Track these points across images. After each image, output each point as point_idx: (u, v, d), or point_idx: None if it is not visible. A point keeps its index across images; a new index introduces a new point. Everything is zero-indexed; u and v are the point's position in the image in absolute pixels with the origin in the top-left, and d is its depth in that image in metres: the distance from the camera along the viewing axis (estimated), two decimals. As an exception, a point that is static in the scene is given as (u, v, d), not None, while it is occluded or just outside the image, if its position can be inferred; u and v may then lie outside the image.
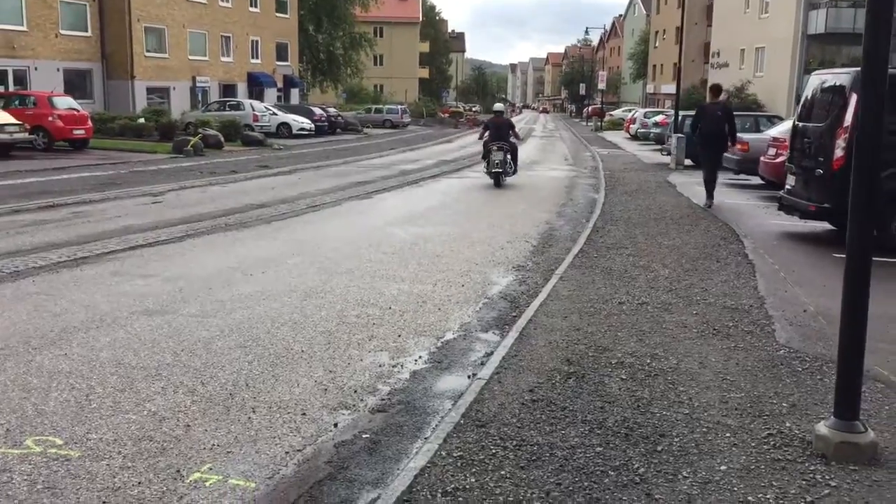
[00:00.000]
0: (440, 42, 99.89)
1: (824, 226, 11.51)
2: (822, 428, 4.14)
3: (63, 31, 32.27)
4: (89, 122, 25.22)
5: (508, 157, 18.06)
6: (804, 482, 3.79)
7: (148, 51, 36.30)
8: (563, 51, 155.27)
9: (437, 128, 57.90)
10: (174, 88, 38.33)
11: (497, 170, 17.84)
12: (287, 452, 4.15)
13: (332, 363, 5.58)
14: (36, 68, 30.67)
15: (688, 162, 22.71)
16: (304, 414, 4.67)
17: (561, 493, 3.65)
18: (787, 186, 11.38)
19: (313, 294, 7.52)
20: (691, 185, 17.09)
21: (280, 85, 49.42)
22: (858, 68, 4.00)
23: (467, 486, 3.69)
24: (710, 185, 14.55)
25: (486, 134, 18.50)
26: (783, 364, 5.58)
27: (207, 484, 3.77)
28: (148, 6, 35.86)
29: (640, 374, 5.31)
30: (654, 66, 71.31)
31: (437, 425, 4.50)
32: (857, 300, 4.02)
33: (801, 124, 11.06)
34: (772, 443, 4.24)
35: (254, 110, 34.79)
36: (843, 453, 4.00)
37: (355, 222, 12.31)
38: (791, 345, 6.03)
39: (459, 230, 11.62)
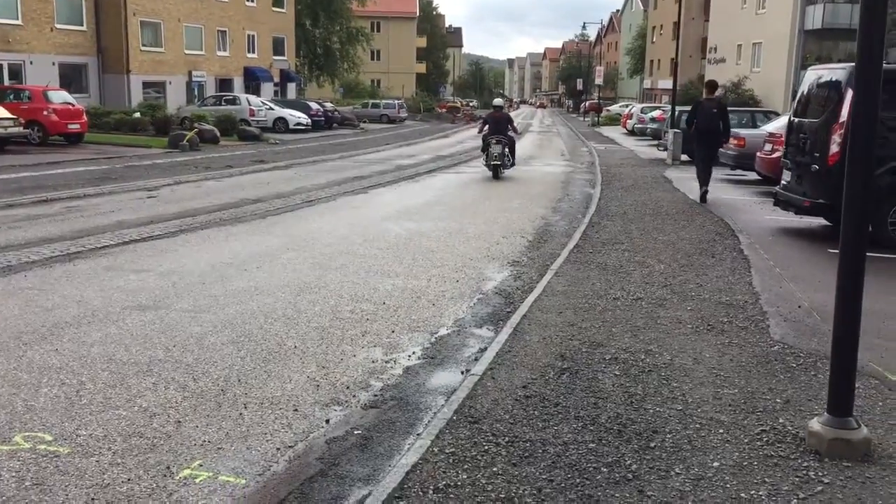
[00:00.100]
0: (437, 37, 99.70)
1: (820, 221, 11.50)
2: (816, 424, 4.12)
3: (58, 25, 32.17)
4: (84, 117, 25.16)
5: (506, 150, 18.72)
6: (797, 479, 3.78)
7: (144, 45, 36.20)
8: (560, 46, 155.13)
9: (434, 123, 57.85)
10: (170, 83, 38.24)
11: (495, 162, 18.45)
12: (278, 449, 4.12)
13: (325, 359, 5.55)
14: (31, 62, 30.57)
15: (684, 157, 22.68)
16: (296, 410, 4.64)
17: (553, 489, 3.64)
18: (783, 182, 11.37)
19: (307, 289, 7.49)
20: (687, 180, 17.06)
21: (277, 80, 49.34)
22: (854, 64, 3.98)
23: (459, 483, 3.67)
24: (702, 178, 14.63)
25: (486, 128, 19.16)
26: (777, 360, 5.56)
27: (197, 480, 3.75)
28: (143, 0, 35.74)
29: (634, 369, 5.29)
30: (652, 61, 71.26)
31: (429, 421, 4.48)
32: (851, 296, 4.00)
33: (796, 120, 11.05)
34: (765, 439, 4.22)
35: (250, 105, 34.74)
36: (837, 450, 3.99)
37: (350, 217, 12.28)
38: (785, 340, 6.02)
39: (455, 225, 11.60)
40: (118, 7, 34.34)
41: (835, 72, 10.34)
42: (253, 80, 45.75)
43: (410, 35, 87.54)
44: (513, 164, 19.50)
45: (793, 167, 11.02)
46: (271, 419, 4.49)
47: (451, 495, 3.56)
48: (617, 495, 3.59)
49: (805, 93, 11.05)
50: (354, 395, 4.91)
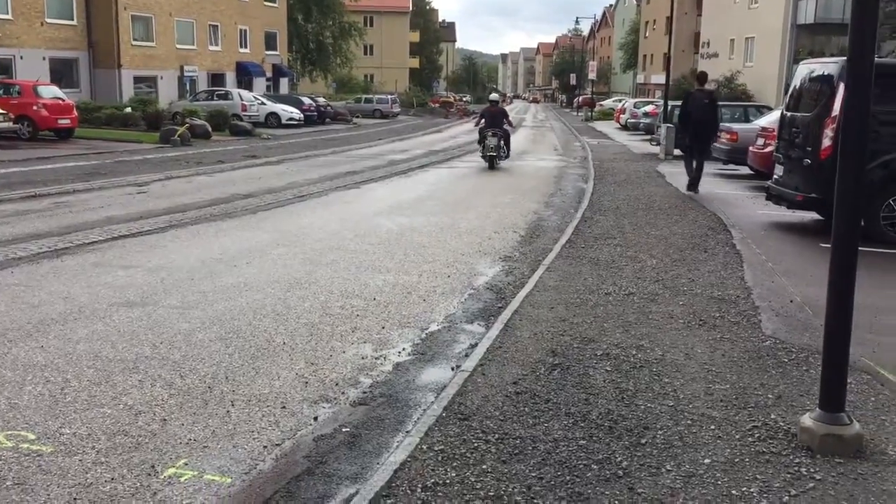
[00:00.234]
0: (430, 32, 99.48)
1: (812, 216, 11.49)
2: (807, 420, 4.09)
3: (49, 20, 31.94)
4: (75, 112, 24.98)
5: (502, 142, 20.05)
6: (789, 475, 3.75)
7: (135, 39, 35.97)
8: (553, 41, 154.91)
9: (428, 118, 57.73)
10: (162, 77, 38.02)
11: (491, 154, 19.62)
12: (265, 447, 4.07)
13: (314, 355, 5.50)
14: (21, 57, 30.34)
15: (677, 152, 22.65)
16: (283, 407, 4.59)
17: (542, 487, 3.60)
18: (775, 176, 11.34)
19: (297, 285, 7.44)
20: (680, 175, 17.01)
21: (269, 74, 49.11)
22: (846, 58, 3.94)
23: (447, 481, 3.63)
24: (690, 170, 14.67)
25: (482, 121, 20.32)
26: (769, 355, 5.53)
27: (182, 479, 3.69)
28: (134, -6, 35.55)
29: (626, 365, 5.26)
30: (645, 56, 71.22)
31: (418, 418, 4.43)
32: (843, 290, 3.96)
33: (789, 114, 11.02)
34: (756, 435, 4.19)
35: (242, 100, 34.54)
36: (829, 446, 3.96)
37: (342, 212, 12.21)
38: (777, 335, 5.99)
39: (447, 220, 11.54)
40: (109, 1, 34.09)
41: (827, 66, 10.31)
42: (245, 74, 45.53)
43: (403, 30, 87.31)
44: (508, 156, 20.74)
45: (785, 161, 11.00)
46: (258, 417, 4.44)
47: (440, 493, 3.52)
48: (607, 493, 3.55)
49: (797, 87, 11.02)
50: (343, 392, 4.86)
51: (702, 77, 15.36)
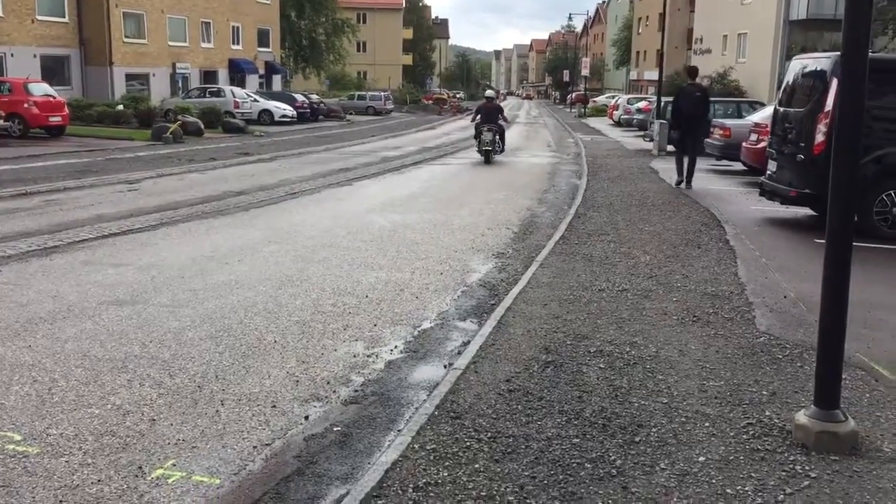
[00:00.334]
0: (424, 28, 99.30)
1: (806, 211, 11.48)
2: (802, 417, 4.06)
3: (40, 17, 31.72)
4: (66, 109, 24.85)
5: (497, 137, 20.60)
6: (783, 473, 3.71)
7: (127, 36, 35.78)
8: (547, 37, 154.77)
9: (421, 114, 57.62)
10: (154, 75, 37.82)
11: (487, 148, 20.31)
12: (255, 447, 4.02)
13: (306, 353, 5.45)
14: (12, 54, 30.14)
15: (670, 148, 22.63)
16: (274, 406, 4.54)
17: (535, 486, 3.55)
18: (769, 172, 11.33)
19: (289, 283, 7.38)
20: (673, 171, 16.98)
21: (262, 71, 48.92)
22: (839, 53, 3.90)
23: (439, 481, 3.58)
24: (681, 165, 14.66)
25: (478, 117, 20.71)
26: (763, 351, 5.50)
27: (170, 481, 3.64)
28: (126, -9, 35.35)
29: (619, 362, 5.22)
30: (638, 52, 71.20)
31: (410, 417, 4.39)
32: (837, 286, 3.93)
33: (782, 109, 11.00)
34: (751, 432, 4.16)
35: (235, 97, 34.39)
36: (824, 443, 3.93)
37: (335, 209, 12.15)
38: (771, 332, 5.96)
39: (440, 217, 11.49)
40: (100, -2, 33.93)
41: (820, 61, 10.29)
42: (238, 72, 45.33)
43: (397, 26, 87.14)
44: (502, 151, 21.43)
45: (778, 157, 10.98)
46: (248, 416, 4.39)
47: (431, 493, 3.48)
48: (601, 492, 3.52)
49: (790, 82, 11.00)
50: (335, 391, 4.81)
51: (692, 71, 15.39)
